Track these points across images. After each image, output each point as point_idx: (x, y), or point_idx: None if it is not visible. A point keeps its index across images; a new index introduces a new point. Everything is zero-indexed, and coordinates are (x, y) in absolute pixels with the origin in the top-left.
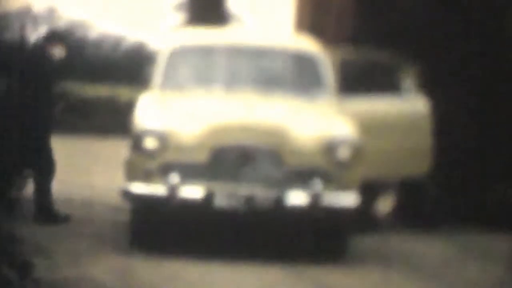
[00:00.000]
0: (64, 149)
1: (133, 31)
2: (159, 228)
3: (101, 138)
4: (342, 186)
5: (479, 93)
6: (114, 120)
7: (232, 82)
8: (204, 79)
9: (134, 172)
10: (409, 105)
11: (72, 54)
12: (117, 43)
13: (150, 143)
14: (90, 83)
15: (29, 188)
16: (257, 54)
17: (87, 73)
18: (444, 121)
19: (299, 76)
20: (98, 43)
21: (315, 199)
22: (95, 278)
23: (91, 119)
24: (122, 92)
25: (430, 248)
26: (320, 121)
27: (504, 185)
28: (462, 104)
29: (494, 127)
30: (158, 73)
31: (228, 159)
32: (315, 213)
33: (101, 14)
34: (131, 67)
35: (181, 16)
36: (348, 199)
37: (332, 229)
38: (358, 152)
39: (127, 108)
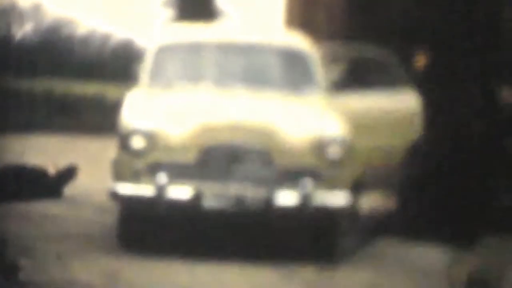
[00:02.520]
0: (51, 148)
1: (121, 28)
2: (148, 229)
3: (89, 137)
4: (333, 185)
5: (472, 89)
6: (102, 119)
7: (221, 79)
8: (192, 76)
9: (121, 172)
10: (400, 101)
11: (59, 51)
12: (105, 40)
13: (137, 143)
14: (78, 81)
15: None
16: (247, 50)
17: (74, 71)
18: (436, 117)
19: (289, 73)
20: (86, 41)
21: (306, 199)
22: (82, 280)
23: (79, 118)
24: (110, 90)
25: (423, 250)
26: (311, 119)
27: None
28: (455, 101)
29: (487, 125)
30: (145, 70)
31: (217, 158)
32: (306, 213)
33: (89, 11)
34: (119, 64)
35: (169, 13)
36: (339, 199)
37: (323, 229)
38: (349, 150)
39: (115, 106)
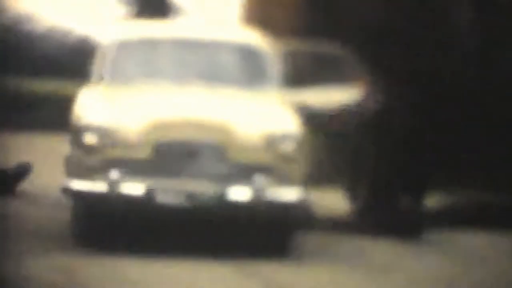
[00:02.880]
0: (8, 146)
1: (81, 24)
2: (101, 225)
3: (47, 134)
4: (286, 181)
5: (424, 86)
6: (60, 116)
7: (177, 75)
8: (148, 73)
9: (74, 168)
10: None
11: (19, 48)
12: (64, 37)
13: (90, 139)
14: (37, 78)
15: None
16: (203, 47)
17: (33, 68)
18: (389, 112)
19: (245, 70)
20: (45, 37)
21: (259, 194)
22: (36, 277)
23: (37, 115)
24: (68, 87)
25: (379, 245)
26: (264, 115)
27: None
28: (407, 97)
29: (436, 121)
30: (100, 66)
31: (170, 154)
32: (259, 208)
33: (49, 7)
34: (78, 61)
35: (126, 9)
36: (292, 194)
37: (276, 224)
38: (301, 146)
39: (72, 104)
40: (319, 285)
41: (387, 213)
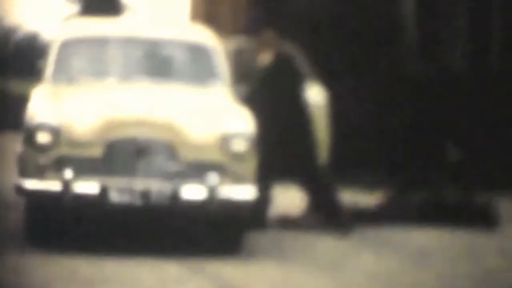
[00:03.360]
0: None
1: (28, 21)
2: (55, 225)
3: (1, 133)
4: (239, 179)
5: (372, 85)
6: (6, 115)
7: (127, 73)
8: (97, 71)
9: (27, 167)
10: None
11: None
12: (9, 33)
13: (42, 137)
14: None
15: None
16: (152, 45)
17: None
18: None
19: (194, 67)
20: None
21: (211, 193)
22: None
23: None
24: (14, 85)
25: (329, 242)
26: (215, 113)
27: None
28: (356, 94)
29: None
30: (50, 65)
31: (122, 153)
32: (212, 207)
33: None
34: (24, 58)
35: (75, 6)
36: (245, 192)
37: (229, 223)
38: (253, 144)
39: (19, 102)
40: (271, 283)
41: (324, 210)
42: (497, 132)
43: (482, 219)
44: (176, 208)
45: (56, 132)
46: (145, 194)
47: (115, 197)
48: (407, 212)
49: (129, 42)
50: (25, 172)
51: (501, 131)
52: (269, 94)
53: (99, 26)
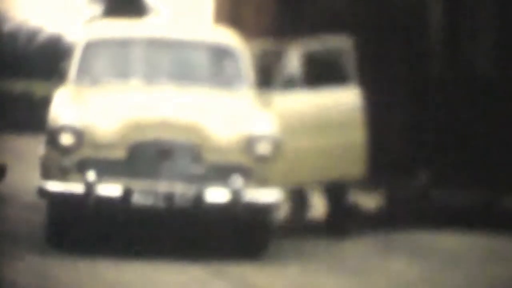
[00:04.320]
0: None
1: (50, 22)
2: (77, 227)
3: (17, 135)
4: (263, 182)
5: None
6: (30, 116)
7: (151, 75)
8: (121, 72)
9: (50, 169)
10: (342, 98)
11: None
12: (33, 35)
13: (65, 139)
14: (5, 77)
15: None
16: (176, 47)
17: (1, 67)
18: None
19: (219, 69)
20: (13, 35)
21: (235, 196)
22: (10, 279)
23: (6, 115)
24: (38, 87)
25: (352, 247)
26: (240, 115)
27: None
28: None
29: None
30: (74, 66)
31: (146, 155)
32: (236, 210)
33: (17, 5)
34: (47, 60)
35: (98, 8)
36: (269, 195)
37: (254, 226)
38: (278, 147)
39: (43, 104)
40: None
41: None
42: None
43: (508, 222)
44: (199, 211)
45: (79, 134)
46: (168, 197)
47: (138, 199)
48: (432, 214)
49: (153, 44)
50: (48, 174)
51: None
52: None
53: (123, 27)
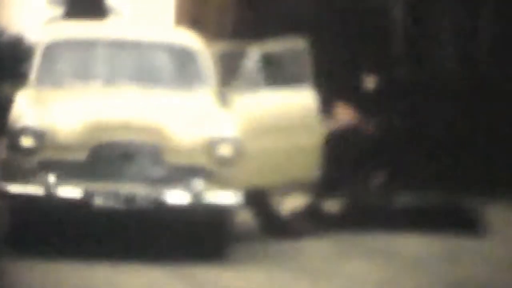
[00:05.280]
0: None
1: (12, 23)
2: (38, 229)
3: None
4: (224, 184)
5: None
6: None
7: (112, 77)
8: (82, 74)
9: (10, 171)
10: (296, 98)
11: None
12: None
13: (26, 141)
14: None
15: None
16: (137, 48)
17: None
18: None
19: (180, 71)
20: None
21: (197, 198)
22: None
23: None
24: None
25: (317, 248)
26: (201, 117)
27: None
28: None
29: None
30: (35, 68)
31: (107, 157)
32: (197, 212)
33: None
34: (9, 62)
35: (59, 9)
36: (230, 198)
37: (214, 228)
38: (240, 149)
39: (4, 106)
40: None
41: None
42: (494, 137)
43: (468, 224)
44: (161, 213)
45: (40, 136)
46: (129, 199)
47: (99, 201)
48: (391, 217)
49: (114, 45)
50: (8, 176)
51: (494, 136)
52: None
53: (84, 29)
